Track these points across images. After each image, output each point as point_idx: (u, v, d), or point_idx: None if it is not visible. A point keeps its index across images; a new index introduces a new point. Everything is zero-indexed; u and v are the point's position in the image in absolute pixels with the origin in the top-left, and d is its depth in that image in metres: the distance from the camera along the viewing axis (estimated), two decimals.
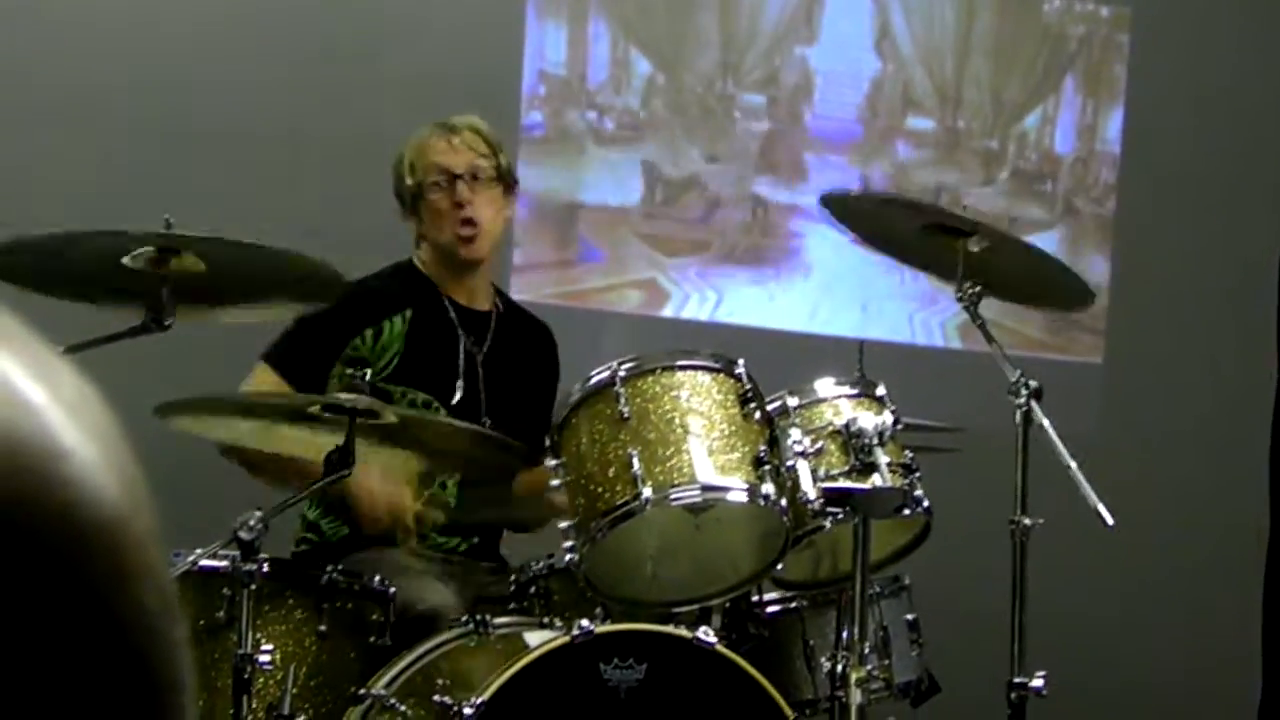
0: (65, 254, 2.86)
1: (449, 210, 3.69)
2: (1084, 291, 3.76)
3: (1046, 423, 3.26)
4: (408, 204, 3.75)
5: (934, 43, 5.35)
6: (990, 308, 3.49)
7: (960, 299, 3.46)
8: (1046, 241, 5.23)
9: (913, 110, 5.35)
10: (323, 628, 3.15)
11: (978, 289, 3.44)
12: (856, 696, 3.20)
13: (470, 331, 3.75)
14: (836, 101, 5.28)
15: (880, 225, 3.77)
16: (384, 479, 3.48)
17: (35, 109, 4.51)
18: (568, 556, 3.15)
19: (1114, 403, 5.33)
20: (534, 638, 3.08)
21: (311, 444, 3.05)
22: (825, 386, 3.39)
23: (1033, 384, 3.31)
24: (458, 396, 3.68)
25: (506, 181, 3.78)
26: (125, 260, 2.82)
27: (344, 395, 3.00)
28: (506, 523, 3.81)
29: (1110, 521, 3.13)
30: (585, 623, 2.99)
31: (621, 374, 3.18)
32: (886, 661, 3.46)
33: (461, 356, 3.72)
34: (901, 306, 5.21)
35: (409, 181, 3.72)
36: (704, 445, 3.14)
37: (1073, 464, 3.19)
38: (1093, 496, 3.16)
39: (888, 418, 3.33)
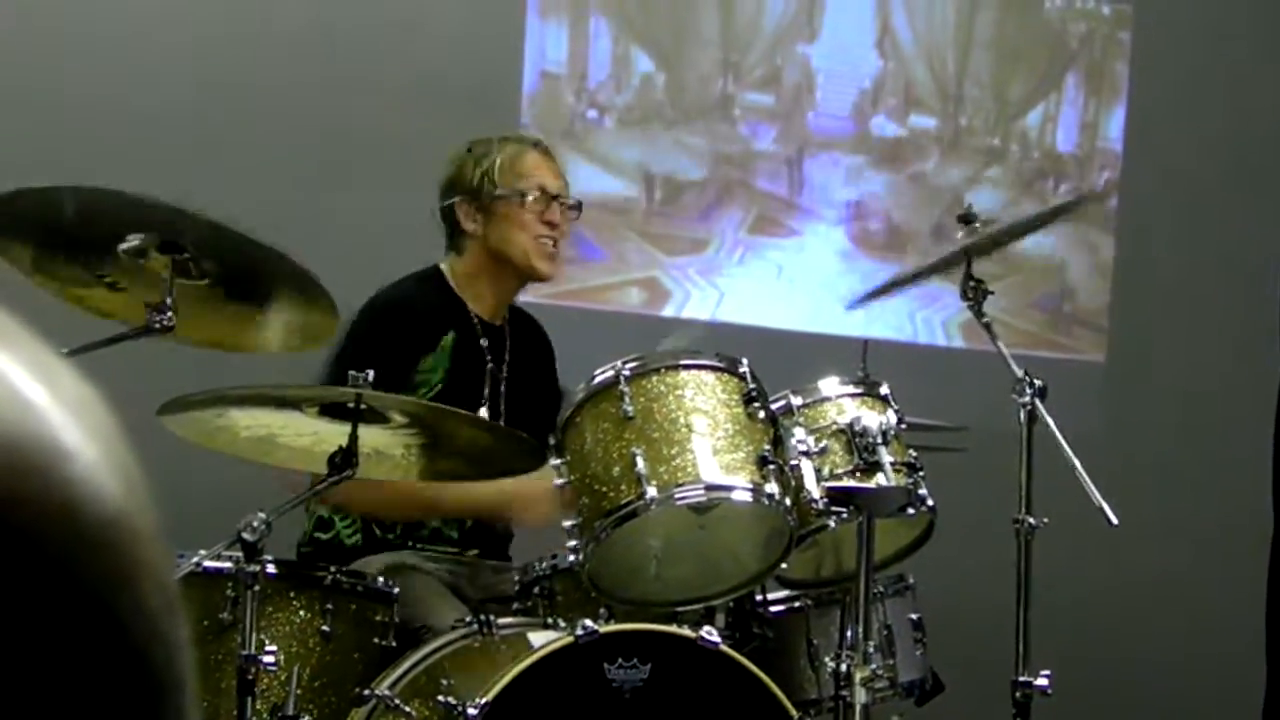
0: (66, 214, 2.85)
1: (539, 226, 3.70)
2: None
3: (1051, 421, 3.26)
4: (480, 205, 3.72)
5: (935, 40, 5.35)
6: (994, 306, 3.49)
7: (965, 298, 3.46)
8: (1048, 239, 5.23)
9: (914, 108, 5.34)
10: (326, 628, 3.15)
11: (982, 286, 3.44)
12: (861, 696, 3.20)
13: (493, 351, 3.75)
14: (837, 100, 5.28)
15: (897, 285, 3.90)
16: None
17: (36, 110, 4.51)
18: (571, 556, 3.15)
19: (1117, 401, 5.33)
20: (538, 638, 3.07)
21: (312, 453, 3.04)
22: (829, 385, 3.38)
23: (1037, 382, 3.31)
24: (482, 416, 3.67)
25: (578, 210, 3.83)
26: (122, 248, 2.81)
27: (347, 390, 2.97)
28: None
29: (1114, 520, 3.13)
30: (589, 623, 2.99)
31: (626, 373, 3.17)
32: (891, 661, 3.46)
33: (487, 378, 3.72)
34: (904, 305, 5.21)
35: (498, 187, 3.70)
36: (708, 444, 3.14)
37: (1077, 463, 3.19)
38: (1097, 495, 3.16)
39: (891, 417, 3.33)
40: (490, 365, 3.73)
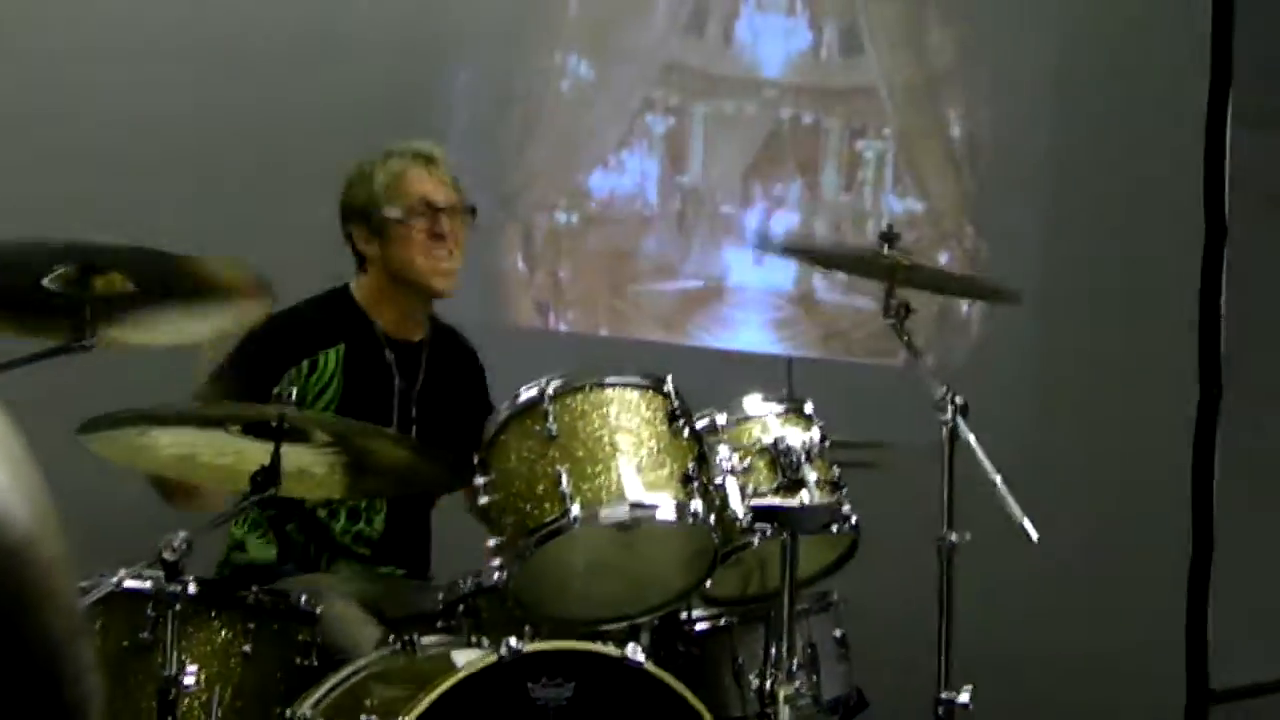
0: None
1: (428, 242, 3.68)
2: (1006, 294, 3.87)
3: (972, 438, 3.29)
4: (371, 228, 3.71)
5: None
6: (917, 323, 3.51)
7: (887, 315, 3.48)
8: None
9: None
10: (248, 648, 3.12)
11: (904, 305, 3.46)
12: (785, 713, 3.21)
13: (403, 368, 3.72)
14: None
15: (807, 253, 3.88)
16: None
17: None
18: (496, 575, 3.14)
19: (1040, 417, 5.37)
20: (462, 657, 3.06)
21: (234, 472, 3.02)
22: (753, 404, 3.40)
23: (958, 400, 3.33)
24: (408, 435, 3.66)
25: (473, 214, 3.78)
26: (46, 281, 2.79)
27: (270, 408, 2.97)
28: None
29: (1035, 536, 3.15)
30: (513, 641, 2.98)
31: (550, 391, 3.17)
32: (815, 678, 3.47)
33: (396, 396, 3.70)
34: (826, 322, 5.23)
35: (383, 208, 3.69)
36: (633, 463, 3.14)
37: (998, 479, 3.21)
38: (1018, 511, 3.18)
39: (815, 434, 3.35)
40: (399, 383, 3.71)
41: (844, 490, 3.35)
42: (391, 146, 3.78)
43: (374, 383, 3.68)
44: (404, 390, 3.70)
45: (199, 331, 3.14)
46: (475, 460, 3.20)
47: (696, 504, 3.14)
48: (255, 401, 3.32)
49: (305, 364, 3.64)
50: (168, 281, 2.92)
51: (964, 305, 5.43)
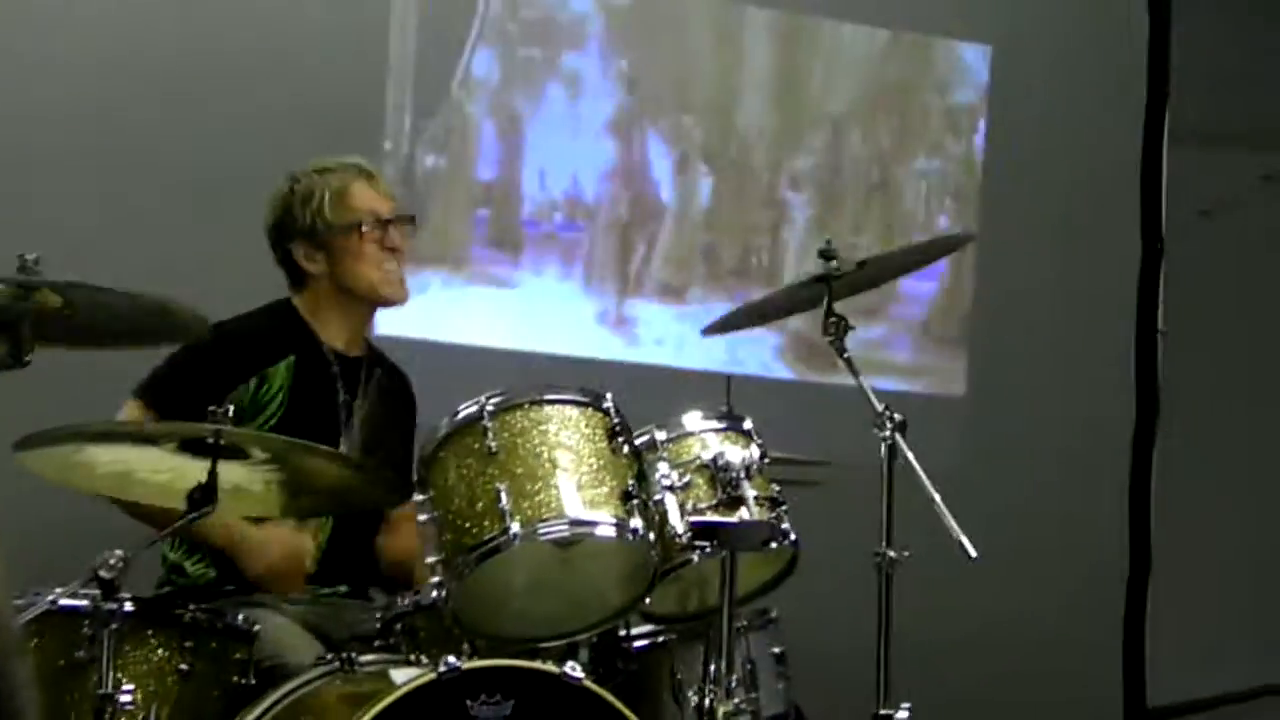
0: None
1: (378, 254, 3.72)
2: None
3: (910, 455, 3.29)
4: (316, 244, 3.70)
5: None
6: (855, 341, 3.52)
7: (826, 333, 3.49)
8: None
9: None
10: (184, 667, 3.10)
11: (842, 321, 3.47)
12: None
13: (346, 381, 3.73)
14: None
15: (757, 317, 3.91)
16: (283, 527, 3.49)
17: None
18: (434, 593, 3.13)
19: (977, 435, 5.39)
20: (400, 675, 3.05)
21: (170, 489, 3.01)
22: (693, 420, 3.40)
23: (897, 417, 3.34)
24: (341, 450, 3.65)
25: (414, 224, 3.85)
26: None
27: (206, 426, 2.95)
28: None
29: (973, 553, 3.16)
30: (452, 659, 2.97)
31: (489, 408, 3.17)
32: (754, 694, 3.47)
33: (341, 410, 3.70)
34: (766, 339, 5.24)
35: (331, 221, 3.69)
36: (572, 479, 3.14)
37: (936, 496, 3.22)
38: (956, 528, 3.19)
39: (754, 451, 3.35)
40: (344, 397, 3.71)
41: (783, 507, 3.35)
42: (322, 163, 3.78)
43: (320, 396, 3.68)
44: (348, 404, 3.71)
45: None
46: (415, 478, 3.20)
47: (636, 521, 3.14)
48: (203, 412, 3.31)
49: (253, 381, 3.63)
50: (101, 308, 2.90)
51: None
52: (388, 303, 3.78)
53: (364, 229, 3.71)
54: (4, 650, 0.54)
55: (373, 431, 3.71)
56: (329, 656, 3.19)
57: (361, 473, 3.29)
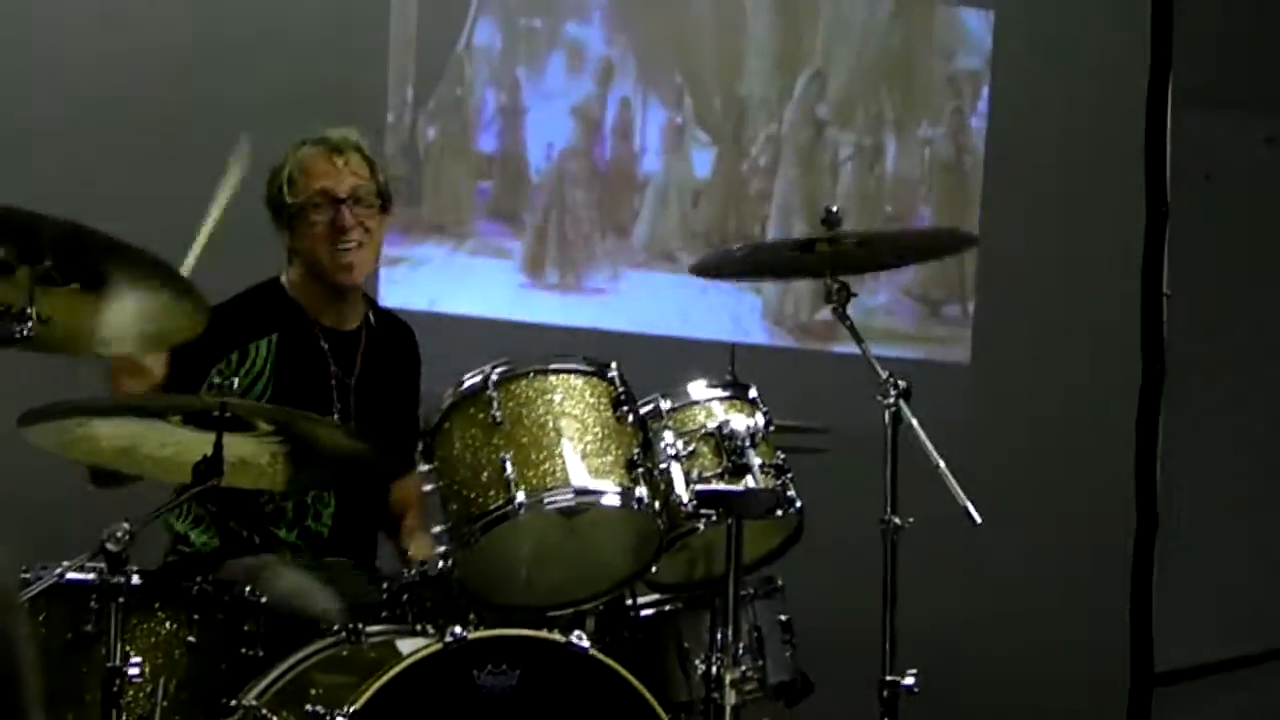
0: None
1: (329, 234, 3.61)
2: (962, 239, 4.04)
3: (915, 422, 3.30)
4: (283, 219, 3.67)
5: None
6: (859, 308, 3.52)
7: (828, 300, 3.49)
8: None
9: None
10: (192, 639, 3.11)
11: (845, 289, 3.47)
12: (731, 698, 3.22)
13: (339, 358, 3.68)
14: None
15: (751, 265, 3.88)
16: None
17: None
18: (441, 562, 3.14)
19: (982, 401, 5.39)
20: (407, 645, 3.06)
21: (175, 463, 3.01)
22: (698, 389, 3.40)
23: (901, 384, 3.34)
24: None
25: (385, 202, 3.70)
26: None
27: (211, 398, 2.95)
28: None
29: (978, 519, 3.17)
30: (458, 629, 2.98)
31: (494, 378, 3.17)
32: (760, 662, 3.47)
33: (334, 386, 3.66)
34: (770, 306, 5.24)
35: (288, 198, 3.63)
36: (577, 449, 3.14)
37: (941, 463, 3.22)
38: (961, 495, 3.19)
39: (759, 419, 3.36)
40: (336, 371, 3.67)
41: (788, 475, 3.35)
42: (309, 134, 3.73)
43: (309, 373, 3.64)
44: (341, 380, 3.67)
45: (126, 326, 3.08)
46: (420, 447, 3.20)
47: (641, 490, 3.14)
48: (185, 389, 3.30)
49: (235, 355, 3.60)
50: (101, 269, 2.88)
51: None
52: (338, 285, 3.65)
53: (313, 208, 3.61)
54: (2, 607, 0.55)
55: (370, 406, 3.67)
56: (336, 626, 3.19)
57: (365, 443, 3.28)
